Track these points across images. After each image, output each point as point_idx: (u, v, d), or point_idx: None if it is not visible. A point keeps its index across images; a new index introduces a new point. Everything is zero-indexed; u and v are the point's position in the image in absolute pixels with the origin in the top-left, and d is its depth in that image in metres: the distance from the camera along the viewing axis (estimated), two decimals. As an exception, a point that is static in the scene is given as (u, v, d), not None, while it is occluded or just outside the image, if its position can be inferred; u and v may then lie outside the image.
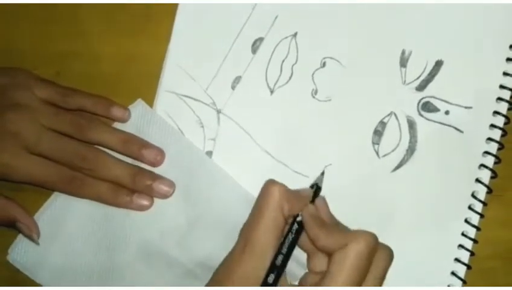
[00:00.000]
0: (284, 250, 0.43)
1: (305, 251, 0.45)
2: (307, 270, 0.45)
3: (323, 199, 0.46)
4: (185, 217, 0.49)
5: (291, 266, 0.46)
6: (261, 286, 0.42)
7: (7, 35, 0.52)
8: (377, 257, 0.41)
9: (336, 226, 0.44)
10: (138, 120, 0.50)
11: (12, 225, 0.49)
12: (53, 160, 0.48)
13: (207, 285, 0.44)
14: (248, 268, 0.43)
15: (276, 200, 0.43)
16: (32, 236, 0.49)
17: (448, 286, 0.49)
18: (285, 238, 0.43)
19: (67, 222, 0.50)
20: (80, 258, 0.50)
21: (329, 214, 0.45)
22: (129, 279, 0.49)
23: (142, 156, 0.49)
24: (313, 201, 0.45)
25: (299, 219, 0.44)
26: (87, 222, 0.50)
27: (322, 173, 0.48)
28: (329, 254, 0.42)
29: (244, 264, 0.43)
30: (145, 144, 0.50)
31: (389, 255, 0.42)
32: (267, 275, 0.42)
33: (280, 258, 0.43)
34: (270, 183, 0.44)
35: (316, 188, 0.46)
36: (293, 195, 0.44)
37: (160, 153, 0.50)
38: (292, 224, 0.44)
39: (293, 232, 0.44)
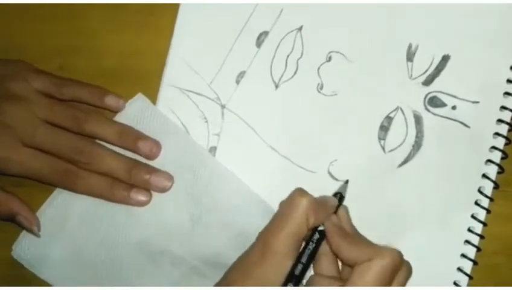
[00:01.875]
0: (304, 259, 0.42)
1: None
2: (312, 273, 0.45)
3: (346, 208, 0.45)
4: (187, 215, 0.49)
5: None
6: None
7: (10, 31, 0.52)
8: (399, 273, 0.41)
9: (358, 237, 0.44)
10: (138, 114, 0.50)
11: (13, 218, 0.49)
12: (49, 153, 0.48)
13: (221, 281, 0.44)
14: (266, 274, 0.42)
15: (303, 211, 0.43)
16: (33, 229, 0.49)
17: (455, 282, 0.48)
18: (305, 247, 0.43)
19: (70, 218, 0.50)
20: (84, 255, 0.49)
21: (351, 225, 0.45)
22: (133, 275, 0.49)
23: (138, 148, 0.49)
24: (335, 211, 0.45)
25: (320, 228, 0.43)
26: (90, 219, 0.50)
27: (346, 182, 0.48)
28: (351, 266, 0.41)
29: (261, 269, 0.42)
30: (141, 136, 0.49)
31: (410, 271, 0.42)
32: (285, 284, 0.42)
33: (300, 267, 0.42)
34: (298, 193, 0.43)
35: (340, 197, 0.46)
36: (319, 206, 0.43)
37: (156, 145, 0.49)
38: (313, 233, 0.43)
39: (314, 242, 0.43)
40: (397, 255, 0.40)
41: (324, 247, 0.44)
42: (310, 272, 0.45)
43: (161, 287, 0.49)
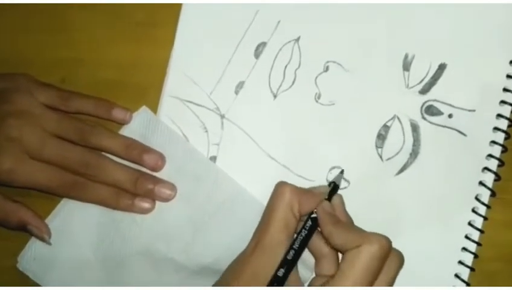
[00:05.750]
0: (296, 245, 0.43)
1: (313, 254, 0.46)
2: (314, 275, 0.46)
3: (340, 197, 0.46)
4: (191, 223, 0.50)
5: (299, 269, 0.46)
6: (271, 279, 0.43)
7: (12, 44, 0.53)
8: (388, 260, 0.42)
9: (350, 225, 0.45)
10: (143, 127, 0.51)
11: (23, 228, 0.49)
12: (55, 165, 0.49)
13: (217, 282, 0.45)
14: (258, 266, 0.43)
15: (285, 201, 0.44)
16: (44, 237, 0.49)
17: (452, 288, 0.49)
18: (298, 234, 0.44)
19: (76, 229, 0.50)
20: (89, 264, 0.50)
21: (345, 213, 0.46)
22: (136, 282, 0.50)
23: (143, 161, 0.50)
24: (329, 199, 0.46)
25: (313, 215, 0.45)
26: (96, 229, 0.50)
27: (341, 172, 0.49)
28: (342, 253, 0.42)
29: (253, 261, 0.44)
30: (146, 149, 0.50)
31: (400, 260, 0.43)
32: (277, 270, 0.43)
33: (292, 253, 0.43)
34: (280, 184, 0.46)
35: (334, 186, 0.47)
36: (304, 194, 0.45)
37: (161, 158, 0.50)
38: (306, 220, 0.44)
39: (307, 229, 0.44)
40: (385, 241, 0.41)
41: (324, 249, 0.45)
42: (311, 273, 0.46)
43: (162, 287, 0.50)
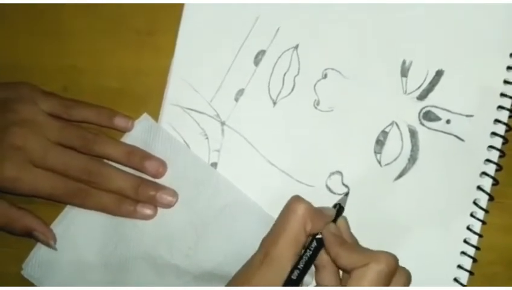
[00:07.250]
0: (301, 265, 0.43)
1: (314, 265, 0.46)
2: (314, 282, 0.46)
3: (345, 219, 0.46)
4: (192, 228, 0.50)
5: None
6: None
7: (15, 52, 0.53)
8: (395, 278, 0.42)
9: (357, 245, 0.45)
10: (144, 134, 0.51)
11: (28, 234, 0.50)
12: (59, 173, 0.49)
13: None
14: (264, 279, 0.43)
15: (299, 218, 0.44)
16: (49, 243, 0.50)
17: (451, 292, 0.49)
18: (303, 254, 0.44)
19: (79, 236, 0.51)
20: (92, 271, 0.51)
21: (350, 234, 0.46)
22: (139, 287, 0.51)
23: (145, 168, 0.50)
24: (335, 220, 0.46)
25: (318, 236, 0.44)
26: (99, 236, 0.51)
27: (346, 194, 0.49)
28: (348, 273, 0.42)
29: (260, 275, 0.43)
30: (148, 156, 0.51)
31: (407, 278, 0.43)
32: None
33: (296, 272, 0.43)
34: (295, 200, 0.45)
35: (339, 208, 0.47)
36: (316, 213, 0.45)
37: (162, 164, 0.51)
38: (311, 241, 0.45)
39: (312, 249, 0.44)
40: (392, 259, 0.41)
41: (325, 259, 0.45)
42: (311, 278, 0.47)
43: (163, 287, 0.50)
